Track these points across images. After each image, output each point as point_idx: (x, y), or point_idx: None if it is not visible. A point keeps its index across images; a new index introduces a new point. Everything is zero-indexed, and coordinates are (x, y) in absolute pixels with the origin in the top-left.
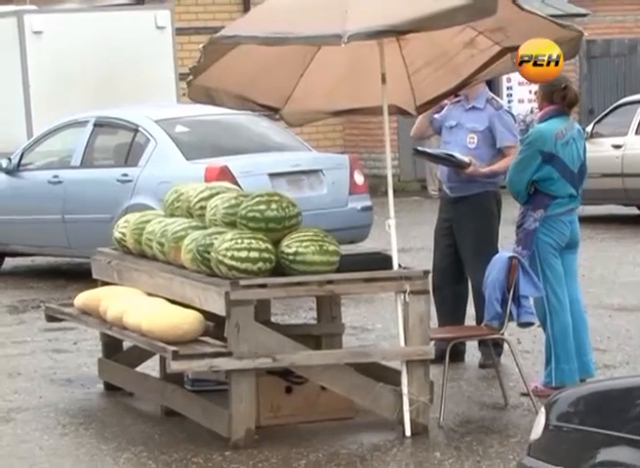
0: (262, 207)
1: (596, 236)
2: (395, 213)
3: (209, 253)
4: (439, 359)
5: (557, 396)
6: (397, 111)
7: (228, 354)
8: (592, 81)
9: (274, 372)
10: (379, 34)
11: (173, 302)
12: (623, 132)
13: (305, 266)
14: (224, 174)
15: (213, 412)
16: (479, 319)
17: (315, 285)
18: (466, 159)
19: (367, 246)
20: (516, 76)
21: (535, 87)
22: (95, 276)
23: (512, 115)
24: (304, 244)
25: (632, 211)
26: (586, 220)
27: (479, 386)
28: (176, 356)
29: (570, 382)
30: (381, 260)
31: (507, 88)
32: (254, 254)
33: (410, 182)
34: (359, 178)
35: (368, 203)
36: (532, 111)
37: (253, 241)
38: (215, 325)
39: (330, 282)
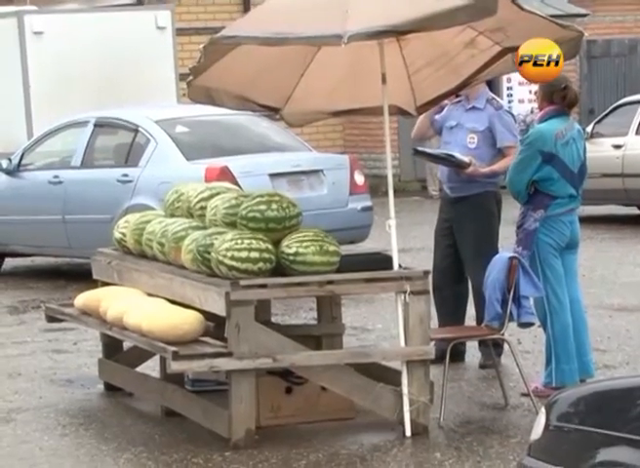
0: (263, 207)
1: (596, 236)
2: (395, 213)
3: (209, 253)
4: (439, 359)
5: (557, 396)
6: (397, 111)
7: (229, 354)
8: (592, 81)
9: (274, 373)
10: (379, 34)
11: (173, 303)
12: (624, 132)
13: (306, 267)
14: (225, 174)
15: (213, 413)
16: (479, 319)
17: (315, 285)
18: (466, 159)
19: (367, 246)
20: (516, 76)
21: (535, 87)
22: (95, 276)
23: (512, 115)
24: (305, 244)
25: (632, 211)
26: (587, 221)
27: (479, 386)
28: (176, 356)
29: (570, 382)
30: (382, 261)
31: (508, 88)
32: (254, 255)
33: (410, 182)
34: (359, 179)
35: (368, 203)
36: (532, 111)
37: (253, 241)
38: (215, 325)
39: (330, 282)
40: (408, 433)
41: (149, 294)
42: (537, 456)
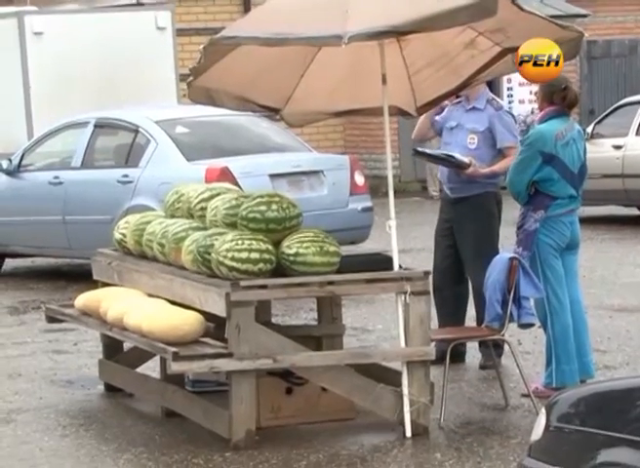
0: (263, 208)
1: (597, 237)
2: (396, 213)
3: (209, 253)
4: (440, 360)
5: (558, 397)
6: (398, 112)
7: (229, 355)
8: (593, 82)
9: (275, 373)
10: (379, 35)
11: (173, 303)
12: (624, 132)
13: (306, 267)
14: (225, 174)
15: (213, 413)
16: (480, 320)
17: (316, 286)
18: (466, 160)
19: (367, 247)
20: (517, 77)
21: (535, 88)
22: (95, 277)
23: (513, 116)
24: (305, 245)
25: (633, 211)
26: (587, 221)
27: (480, 387)
28: (176, 357)
29: (570, 383)
30: (382, 261)
31: (508, 88)
32: (254, 255)
33: (410, 183)
34: (360, 179)
35: (368, 204)
36: (532, 112)
37: (253, 242)
38: (215, 326)
39: (330, 283)
40: (408, 434)
41: (150, 295)
42: (537, 457)
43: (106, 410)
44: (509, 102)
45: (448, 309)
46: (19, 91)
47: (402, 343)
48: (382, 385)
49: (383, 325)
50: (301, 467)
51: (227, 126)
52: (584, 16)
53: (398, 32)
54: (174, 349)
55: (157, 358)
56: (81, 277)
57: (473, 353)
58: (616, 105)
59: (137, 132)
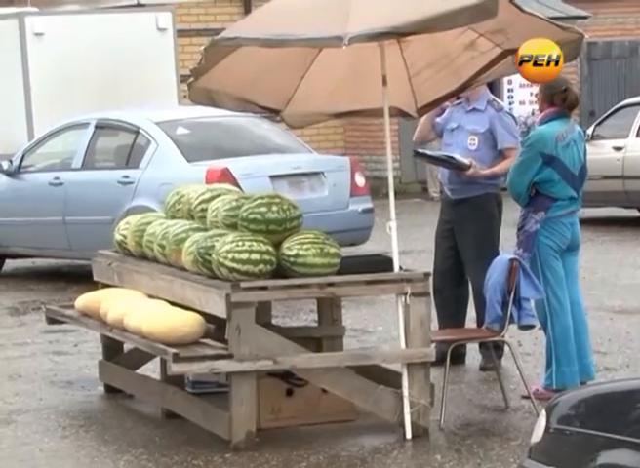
0: (263, 209)
1: (597, 238)
2: (396, 215)
3: (210, 255)
4: (440, 361)
5: (558, 398)
6: (398, 113)
7: (229, 356)
8: (593, 83)
9: (275, 375)
10: (380, 36)
11: (173, 304)
12: (624, 134)
13: (306, 268)
14: (225, 175)
15: (213, 415)
16: (480, 321)
17: (316, 287)
18: (467, 161)
19: (368, 248)
20: (517, 78)
21: (536, 89)
22: (95, 278)
23: (513, 117)
24: (305, 246)
25: (633, 213)
26: (587, 223)
27: (480, 389)
28: (176, 358)
29: (570, 385)
30: (382, 263)
31: (508, 90)
32: (255, 257)
33: (411, 184)
34: (360, 180)
35: (369, 205)
36: (533, 113)
37: (254, 243)
38: (215, 327)
39: (331, 284)
40: (408, 435)
41: (150, 296)
42: (537, 459)
43: (106, 412)
44: (510, 104)
45: (448, 310)
46: (19, 92)
47: (402, 345)
48: (383, 387)
49: (384, 326)
50: None
51: (228, 127)
52: (585, 17)
53: (399, 33)
54: (174, 350)
55: (157, 359)
56: (81, 278)
57: (473, 354)
58: (616, 107)
59: (137, 133)
